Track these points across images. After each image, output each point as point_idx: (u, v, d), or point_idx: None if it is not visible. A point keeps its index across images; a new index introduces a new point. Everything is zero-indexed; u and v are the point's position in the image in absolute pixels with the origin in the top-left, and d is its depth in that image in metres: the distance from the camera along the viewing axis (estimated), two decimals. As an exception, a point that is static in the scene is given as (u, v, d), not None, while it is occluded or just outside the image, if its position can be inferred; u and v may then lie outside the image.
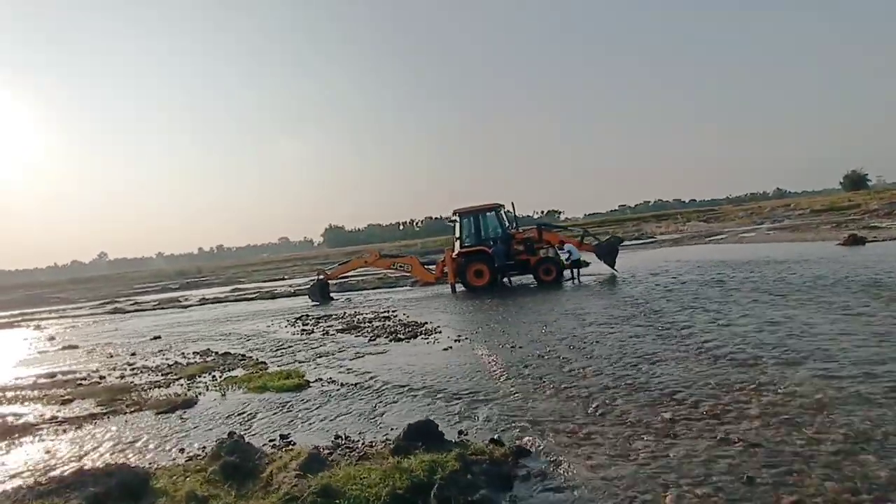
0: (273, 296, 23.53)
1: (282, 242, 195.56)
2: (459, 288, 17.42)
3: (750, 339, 6.82)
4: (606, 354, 6.87)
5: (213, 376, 8.46)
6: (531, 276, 17.12)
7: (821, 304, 8.59)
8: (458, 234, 17.66)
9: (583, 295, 13.25)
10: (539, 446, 4.18)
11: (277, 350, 10.19)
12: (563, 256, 17.18)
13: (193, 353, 10.83)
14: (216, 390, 7.54)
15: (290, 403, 6.42)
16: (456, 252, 17.56)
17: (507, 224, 17.59)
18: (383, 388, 6.62)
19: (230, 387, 7.60)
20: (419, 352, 8.57)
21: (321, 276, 19.51)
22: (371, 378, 7.15)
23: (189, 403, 6.93)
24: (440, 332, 9.96)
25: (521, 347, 7.93)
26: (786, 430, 3.90)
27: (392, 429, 5.06)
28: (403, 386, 6.58)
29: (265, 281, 37.16)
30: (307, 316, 15.08)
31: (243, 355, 9.95)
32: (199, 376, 8.56)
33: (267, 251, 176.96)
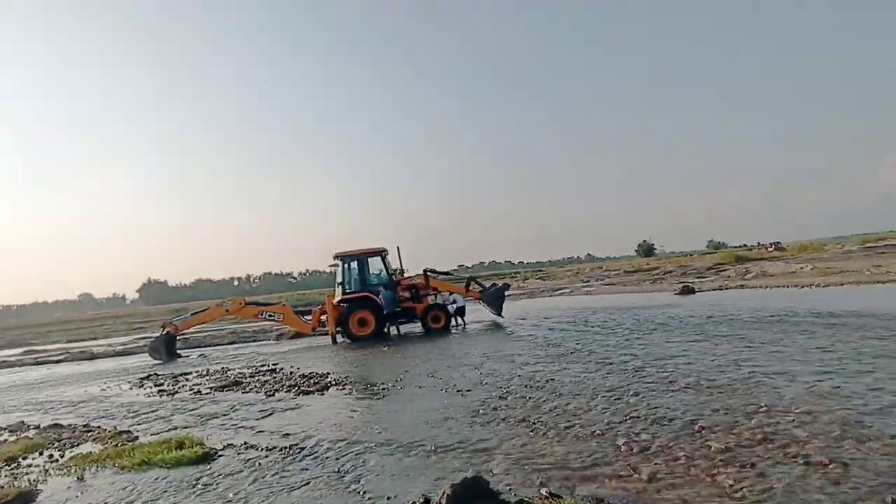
0: (92, 356, 18.97)
1: (83, 299, 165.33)
2: (340, 339, 15.84)
3: (696, 367, 6.89)
4: (576, 391, 6.33)
5: (51, 456, 5.97)
6: (416, 324, 16.40)
7: (716, 338, 9.27)
8: (339, 279, 16.23)
9: (484, 340, 12.79)
10: (615, 497, 3.36)
11: (137, 416, 7.75)
12: (449, 303, 16.86)
13: (-5, 429, 7.77)
14: (64, 474, 5.24)
15: (203, 481, 4.62)
16: (338, 299, 16.06)
17: (391, 269, 16.71)
18: (333, 447, 5.15)
19: (87, 467, 5.35)
20: (346, 404, 7.12)
21: (167, 330, 16.25)
22: (306, 437, 5.59)
23: (26, 498, 4.64)
24: (355, 383, 8.54)
25: (468, 391, 7.01)
26: (854, 445, 3.67)
27: (388, 497, 3.78)
28: (359, 442, 5.21)
29: (69, 342, 30.32)
30: (156, 375, 12.17)
31: (86, 426, 7.35)
32: (24, 458, 6.00)
33: (61, 309, 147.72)
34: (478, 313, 19.21)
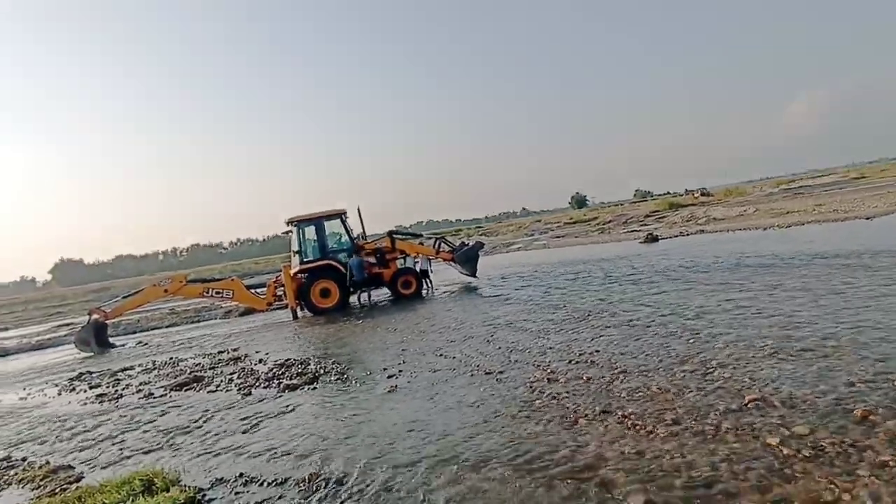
0: (4, 352, 16.26)
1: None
2: (301, 313, 14.25)
3: (757, 324, 6.09)
4: (641, 365, 5.29)
5: (-44, 517, 4.29)
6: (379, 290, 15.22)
7: (736, 288, 8.63)
8: (296, 247, 14.43)
9: (470, 304, 11.65)
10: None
11: (74, 437, 6.03)
12: (416, 266, 15.62)
13: None
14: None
15: (198, 550, 3.21)
16: (296, 269, 14.33)
17: (352, 233, 15.06)
18: (370, 474, 3.82)
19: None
20: (352, 401, 5.74)
21: (95, 316, 13.95)
22: (325, 459, 4.21)
23: None
24: (350, 370, 7.15)
25: (501, 373, 5.81)
26: None
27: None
28: (402, 464, 3.91)
29: (-28, 334, 26.50)
30: (89, 373, 10.22)
31: (7, 458, 5.58)
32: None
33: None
34: (442, 273, 18.12)
